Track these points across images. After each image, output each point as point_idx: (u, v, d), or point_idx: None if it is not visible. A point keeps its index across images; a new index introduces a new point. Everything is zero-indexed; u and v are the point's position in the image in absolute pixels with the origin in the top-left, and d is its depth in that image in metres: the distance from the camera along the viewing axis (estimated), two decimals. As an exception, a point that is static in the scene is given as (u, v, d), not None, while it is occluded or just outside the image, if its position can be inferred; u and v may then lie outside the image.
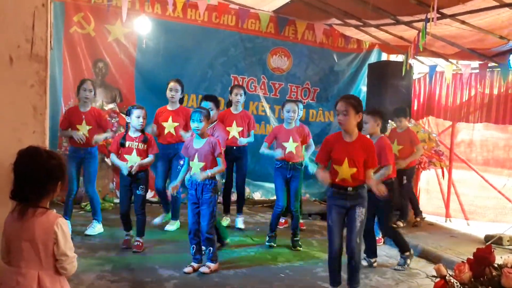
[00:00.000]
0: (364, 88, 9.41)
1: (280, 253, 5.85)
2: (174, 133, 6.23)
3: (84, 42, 7.63)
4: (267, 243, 6.00)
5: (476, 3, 5.66)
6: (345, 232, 4.37)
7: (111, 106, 7.45)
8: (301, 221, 7.07)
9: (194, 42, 8.29)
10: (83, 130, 5.88)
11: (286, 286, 4.80)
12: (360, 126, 4.30)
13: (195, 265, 4.96)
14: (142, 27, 7.80)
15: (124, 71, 7.90)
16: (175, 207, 6.49)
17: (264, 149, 6.08)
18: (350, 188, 4.21)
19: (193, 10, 8.13)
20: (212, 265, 4.96)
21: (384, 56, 9.63)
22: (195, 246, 5.00)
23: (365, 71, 9.36)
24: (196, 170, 4.88)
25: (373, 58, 9.62)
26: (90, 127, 5.91)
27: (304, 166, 6.22)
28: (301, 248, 5.99)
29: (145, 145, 5.47)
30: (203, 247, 5.07)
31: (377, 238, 6.11)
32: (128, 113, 5.46)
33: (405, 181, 6.92)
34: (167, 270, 4.91)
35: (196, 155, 4.89)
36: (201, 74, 8.36)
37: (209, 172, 4.85)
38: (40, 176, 2.43)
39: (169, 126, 6.24)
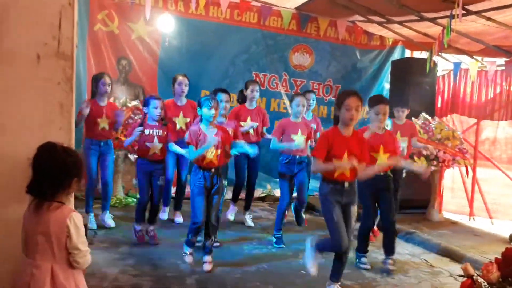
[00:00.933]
0: (387, 85, 9.35)
1: (301, 249, 5.83)
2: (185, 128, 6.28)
3: (108, 39, 7.73)
4: (275, 245, 5.85)
5: (502, -1, 5.58)
6: None
7: (134, 103, 7.51)
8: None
9: (216, 40, 8.33)
10: (103, 123, 5.96)
11: (308, 282, 4.78)
12: (337, 120, 4.24)
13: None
14: (165, 25, 7.88)
15: (147, 69, 7.98)
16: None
17: (277, 144, 5.84)
18: (346, 184, 4.18)
19: (215, 8, 8.18)
20: (211, 258, 4.95)
21: (408, 53, 9.56)
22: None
23: (388, 68, 9.29)
24: (213, 157, 4.84)
25: (396, 55, 9.55)
26: (110, 120, 6.00)
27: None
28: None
29: (165, 132, 5.51)
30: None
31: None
32: (146, 104, 5.50)
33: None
34: (188, 265, 4.95)
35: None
36: (223, 72, 8.39)
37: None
38: (56, 172, 2.47)
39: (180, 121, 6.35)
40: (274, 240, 5.91)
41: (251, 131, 6.43)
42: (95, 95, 6.03)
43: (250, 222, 6.76)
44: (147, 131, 5.46)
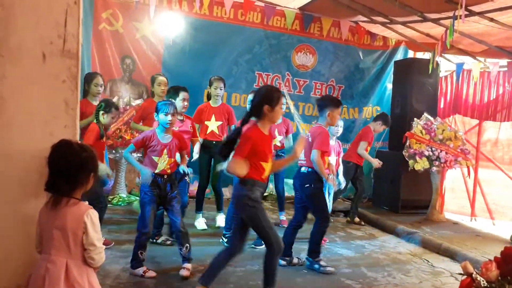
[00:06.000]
0: (389, 86, 9.37)
1: (303, 248, 5.86)
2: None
3: (113, 38, 7.77)
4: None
5: (505, 0, 5.58)
6: None
7: (138, 102, 7.55)
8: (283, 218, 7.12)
9: (219, 39, 8.36)
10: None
11: (310, 281, 4.82)
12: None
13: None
14: (169, 24, 7.91)
15: (151, 68, 8.00)
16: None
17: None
18: None
19: (219, 7, 8.21)
20: (190, 265, 4.68)
21: (411, 54, 9.56)
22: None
23: (391, 68, 9.31)
24: (165, 166, 4.70)
25: (399, 56, 9.57)
26: None
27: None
28: None
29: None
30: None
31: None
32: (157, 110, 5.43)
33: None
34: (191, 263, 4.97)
35: (164, 150, 4.69)
36: (226, 71, 8.41)
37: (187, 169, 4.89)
38: (72, 168, 2.50)
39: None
40: None
41: (215, 129, 6.43)
42: (87, 95, 6.02)
43: (221, 222, 6.46)
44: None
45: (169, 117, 4.62)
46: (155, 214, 4.73)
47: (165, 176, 4.68)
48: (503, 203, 8.06)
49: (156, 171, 4.63)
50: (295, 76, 9.05)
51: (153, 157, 4.65)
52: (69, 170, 2.50)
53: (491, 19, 6.23)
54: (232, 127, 6.55)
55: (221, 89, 6.46)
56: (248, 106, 5.94)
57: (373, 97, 9.56)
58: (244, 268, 5.01)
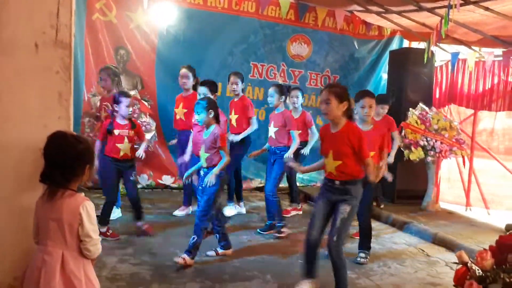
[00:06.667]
0: (385, 76, 9.36)
1: (300, 239, 5.86)
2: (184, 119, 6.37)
3: (106, 29, 7.69)
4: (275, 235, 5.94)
5: (501, -11, 5.57)
6: None
7: (132, 93, 7.49)
8: (289, 208, 7.13)
9: (214, 29, 8.30)
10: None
11: (305, 272, 4.83)
12: (349, 115, 4.04)
13: (220, 251, 5.06)
14: (163, 14, 7.85)
15: (145, 58, 7.95)
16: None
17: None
18: (337, 182, 4.00)
19: (213, -3, 8.16)
20: (187, 258, 4.68)
21: (406, 43, 9.55)
22: (217, 235, 5.08)
23: (386, 58, 9.28)
24: (203, 160, 4.88)
25: (394, 45, 9.55)
26: (106, 114, 6.02)
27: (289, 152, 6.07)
28: (280, 235, 5.90)
29: (134, 132, 5.51)
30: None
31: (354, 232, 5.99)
32: (116, 101, 5.42)
33: None
34: (187, 255, 4.98)
35: (202, 146, 4.89)
36: (221, 61, 8.37)
37: (215, 171, 4.76)
38: (67, 160, 2.49)
39: (180, 112, 6.41)
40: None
41: (234, 122, 6.57)
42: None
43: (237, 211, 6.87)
44: (117, 131, 5.42)
45: (196, 116, 4.92)
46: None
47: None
48: (499, 192, 8.09)
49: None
50: (290, 67, 9.02)
51: None
52: (65, 162, 2.49)
53: (486, 8, 6.20)
54: (252, 119, 6.56)
55: (237, 84, 6.53)
56: (269, 99, 6.05)
57: (368, 87, 9.50)
58: (241, 258, 5.02)
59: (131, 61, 7.90)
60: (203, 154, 4.86)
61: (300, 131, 6.52)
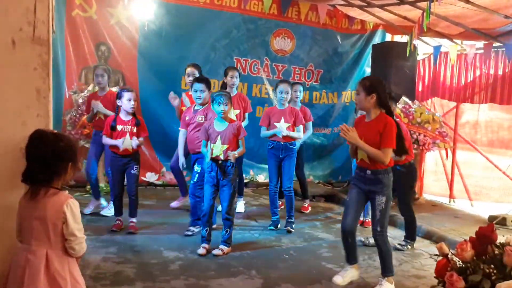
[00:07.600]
0: (368, 69, 9.37)
1: (285, 234, 5.88)
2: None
3: (86, 25, 7.57)
4: (269, 227, 6.05)
5: (481, -18, 5.60)
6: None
7: (114, 89, 7.42)
8: (305, 204, 7.13)
9: (196, 24, 8.22)
10: (99, 114, 6.04)
11: (290, 266, 4.84)
12: (383, 106, 4.21)
13: (207, 246, 5.03)
14: (144, 9, 7.76)
15: (126, 54, 7.86)
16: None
17: (264, 132, 6.16)
18: (369, 172, 4.18)
19: (195, -8, 8.09)
20: (226, 248, 5.03)
21: (389, 37, 9.58)
22: (208, 229, 5.06)
23: (369, 52, 9.30)
24: (219, 152, 4.92)
25: (377, 39, 9.56)
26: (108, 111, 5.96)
27: (298, 146, 6.30)
28: (292, 230, 5.97)
29: (137, 128, 5.50)
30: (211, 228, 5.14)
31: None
32: (119, 97, 5.45)
33: None
34: (172, 252, 4.95)
35: (218, 137, 4.95)
36: (204, 57, 8.31)
37: (235, 153, 4.92)
38: (47, 158, 2.46)
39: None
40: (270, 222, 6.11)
41: (234, 117, 6.42)
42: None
43: (241, 208, 6.85)
44: (120, 127, 5.45)
45: (221, 107, 4.94)
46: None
47: (219, 162, 4.99)
48: (483, 184, 8.17)
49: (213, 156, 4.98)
50: (273, 61, 8.98)
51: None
52: (44, 160, 2.47)
53: (467, 1, 6.23)
54: (246, 114, 6.58)
55: (236, 78, 6.53)
56: (279, 96, 6.04)
57: (351, 81, 9.54)
58: (226, 255, 5.01)
59: (112, 57, 7.80)
60: (221, 147, 4.93)
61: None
